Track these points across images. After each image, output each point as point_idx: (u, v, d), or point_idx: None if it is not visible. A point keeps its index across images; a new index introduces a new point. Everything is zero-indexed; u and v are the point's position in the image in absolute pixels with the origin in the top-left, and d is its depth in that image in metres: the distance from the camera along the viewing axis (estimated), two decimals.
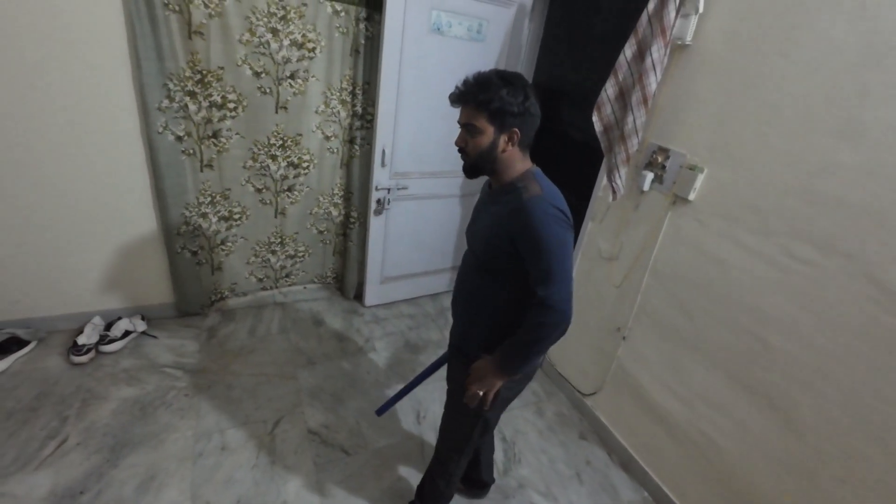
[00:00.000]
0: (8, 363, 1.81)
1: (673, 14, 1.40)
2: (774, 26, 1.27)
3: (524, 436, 1.94)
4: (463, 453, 1.32)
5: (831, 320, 1.20)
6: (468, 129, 1.02)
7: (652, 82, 1.49)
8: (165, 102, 1.80)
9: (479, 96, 0.98)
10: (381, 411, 1.54)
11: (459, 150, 1.07)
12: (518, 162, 1.05)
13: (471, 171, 1.08)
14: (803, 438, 1.27)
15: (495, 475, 1.68)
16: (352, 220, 2.46)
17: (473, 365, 1.14)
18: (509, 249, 1.02)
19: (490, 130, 1.00)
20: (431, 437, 1.84)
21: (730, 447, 1.47)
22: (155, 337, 2.11)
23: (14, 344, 1.85)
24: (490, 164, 1.05)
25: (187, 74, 1.82)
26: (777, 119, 1.28)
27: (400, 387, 1.55)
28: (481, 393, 1.11)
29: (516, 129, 1.00)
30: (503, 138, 1.01)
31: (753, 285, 1.37)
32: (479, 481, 1.60)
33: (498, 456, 1.81)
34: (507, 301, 1.09)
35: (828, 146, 1.18)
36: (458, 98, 1.02)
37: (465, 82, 1.01)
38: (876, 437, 1.13)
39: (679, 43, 1.49)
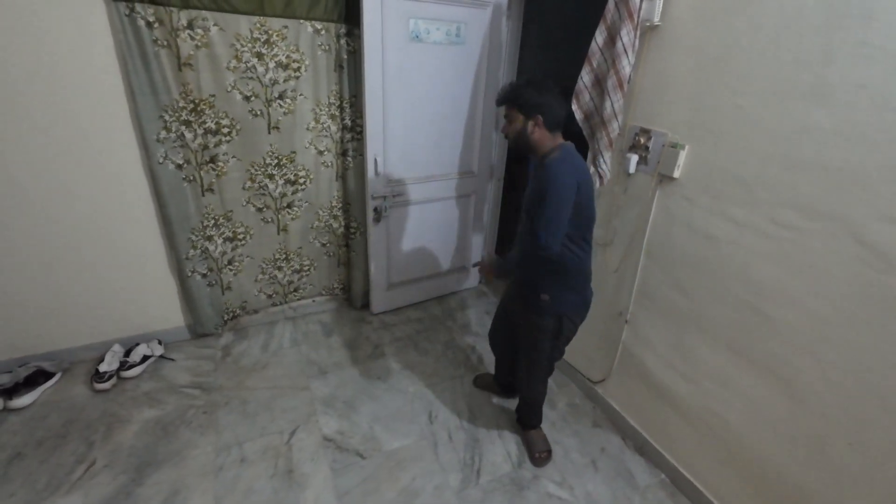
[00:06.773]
0: (36, 395, 1.90)
1: None
2: None
3: None
4: (543, 370, 1.65)
5: (823, 284, 1.19)
6: (506, 118, 1.42)
7: (625, 66, 1.50)
8: (163, 133, 1.88)
9: (509, 95, 1.38)
10: None
11: (506, 137, 1.46)
12: (548, 140, 1.38)
13: (514, 151, 1.43)
14: (807, 405, 1.26)
15: (509, 468, 1.71)
16: (352, 230, 2.51)
17: (487, 260, 1.65)
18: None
19: (520, 118, 1.37)
20: (444, 437, 1.87)
21: (737, 421, 1.46)
22: (172, 360, 2.18)
23: (41, 376, 1.94)
24: (525, 143, 1.39)
25: (181, 105, 1.90)
26: (750, 88, 1.29)
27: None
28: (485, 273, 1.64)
29: (539, 115, 1.34)
30: (531, 123, 1.36)
31: (745, 257, 1.37)
32: (509, 386, 2.01)
33: (511, 449, 1.82)
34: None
35: (801, 110, 1.18)
36: (499, 100, 1.43)
37: (503, 88, 1.41)
38: (881, 397, 1.12)
39: (648, 25, 1.50)
